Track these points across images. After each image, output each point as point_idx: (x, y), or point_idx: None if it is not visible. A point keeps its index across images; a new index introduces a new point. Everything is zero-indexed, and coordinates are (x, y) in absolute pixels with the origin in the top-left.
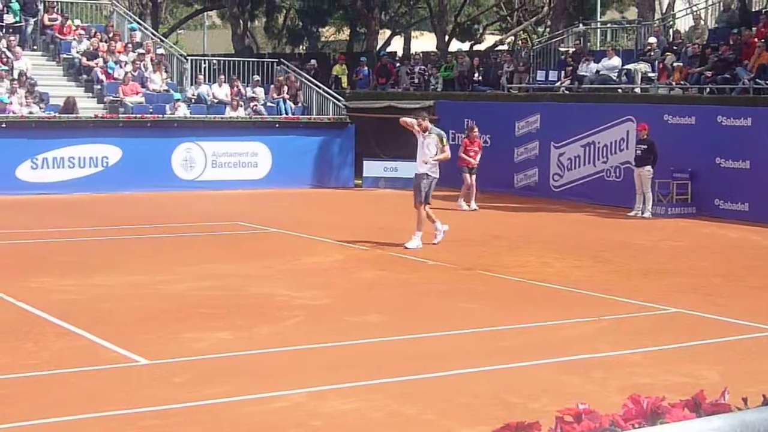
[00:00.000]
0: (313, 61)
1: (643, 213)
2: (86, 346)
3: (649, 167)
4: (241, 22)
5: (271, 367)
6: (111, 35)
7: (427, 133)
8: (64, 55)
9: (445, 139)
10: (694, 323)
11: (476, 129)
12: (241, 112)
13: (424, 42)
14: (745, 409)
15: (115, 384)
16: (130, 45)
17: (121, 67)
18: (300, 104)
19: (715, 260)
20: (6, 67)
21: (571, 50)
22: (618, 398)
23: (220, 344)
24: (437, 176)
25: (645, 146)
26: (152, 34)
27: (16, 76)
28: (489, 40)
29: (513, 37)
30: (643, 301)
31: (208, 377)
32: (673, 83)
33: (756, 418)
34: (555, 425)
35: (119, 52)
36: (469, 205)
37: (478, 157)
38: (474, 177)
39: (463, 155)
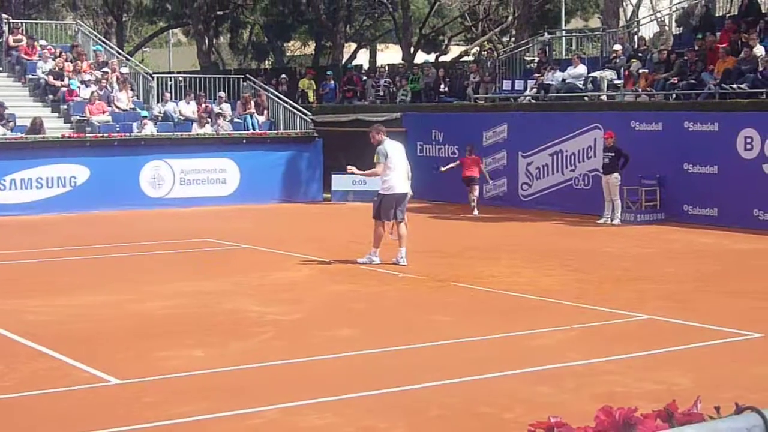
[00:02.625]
0: (283, 76)
1: (612, 220)
2: (57, 367)
3: (616, 174)
4: (206, 38)
5: (244, 383)
6: (76, 55)
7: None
8: (30, 76)
9: (377, 157)
10: (665, 330)
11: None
12: (208, 129)
13: (390, 54)
14: (718, 419)
15: (87, 404)
16: (95, 64)
17: (87, 86)
18: (267, 119)
19: (686, 266)
20: None
21: (536, 59)
22: (591, 407)
23: (192, 362)
24: (384, 193)
25: (612, 153)
26: (117, 52)
27: None
28: (454, 50)
29: (478, 48)
30: (614, 308)
31: (181, 396)
32: (639, 90)
33: (728, 428)
34: None
35: (85, 72)
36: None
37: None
38: (477, 188)
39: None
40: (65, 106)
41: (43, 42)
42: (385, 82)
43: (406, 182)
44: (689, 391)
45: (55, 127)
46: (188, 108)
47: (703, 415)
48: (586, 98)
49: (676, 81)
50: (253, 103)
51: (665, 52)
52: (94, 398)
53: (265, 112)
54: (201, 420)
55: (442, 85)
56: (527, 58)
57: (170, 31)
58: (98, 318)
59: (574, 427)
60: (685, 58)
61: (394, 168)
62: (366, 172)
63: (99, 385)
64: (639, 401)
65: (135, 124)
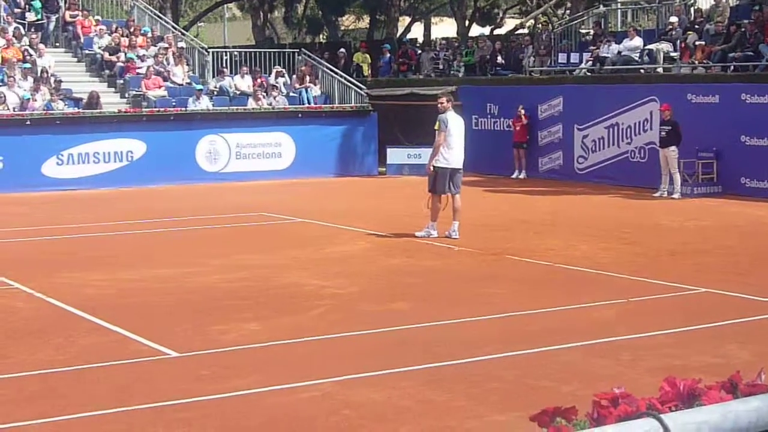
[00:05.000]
0: (342, 50)
1: (672, 194)
2: (116, 341)
3: (674, 147)
4: (260, 13)
5: (300, 356)
6: (132, 30)
7: (441, 116)
8: (87, 51)
9: (438, 125)
10: (723, 303)
11: (521, 109)
12: (263, 103)
13: (444, 28)
14: None
15: (145, 377)
16: (151, 39)
17: (143, 61)
18: (321, 90)
19: (743, 239)
20: (29, 65)
21: (591, 32)
22: (649, 380)
23: (249, 335)
24: (442, 166)
25: (669, 127)
26: (173, 27)
27: (39, 73)
28: (509, 23)
29: (533, 21)
30: (671, 281)
31: (238, 368)
32: (696, 62)
33: None
34: (592, 409)
35: (141, 47)
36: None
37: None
38: (522, 151)
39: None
40: (121, 81)
41: (98, 17)
42: (444, 55)
43: (461, 157)
44: (749, 365)
45: (111, 102)
46: (243, 82)
47: (767, 386)
48: (642, 71)
49: (737, 55)
50: (308, 77)
51: (722, 23)
52: (153, 371)
53: (316, 81)
54: (258, 392)
55: (498, 58)
56: (582, 31)
57: (225, 5)
58: (156, 291)
59: (638, 398)
60: (743, 29)
61: (452, 142)
62: (432, 152)
63: (158, 358)
64: (697, 374)
65: (190, 99)
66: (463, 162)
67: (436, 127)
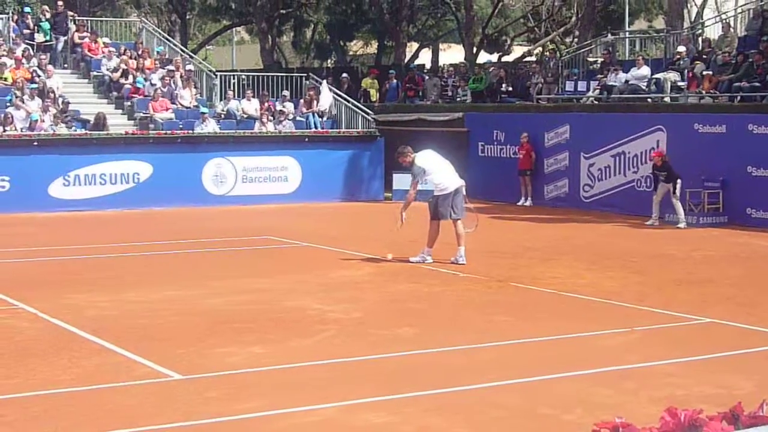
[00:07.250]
0: (345, 75)
1: (677, 223)
2: (120, 362)
3: (679, 180)
4: (269, 37)
5: (304, 381)
6: (140, 52)
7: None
8: (95, 73)
9: (413, 177)
10: (728, 333)
11: (525, 137)
12: (270, 127)
13: (452, 54)
14: None
15: (149, 399)
16: (159, 61)
17: (152, 85)
18: (328, 114)
19: (749, 269)
20: (36, 85)
21: (599, 60)
22: (652, 409)
23: (253, 358)
24: (439, 194)
25: (665, 172)
26: (181, 50)
27: (47, 93)
28: (517, 51)
29: (541, 48)
30: (676, 311)
31: (241, 392)
32: (703, 92)
33: None
34: None
35: (149, 69)
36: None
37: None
38: (527, 178)
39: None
40: (129, 103)
41: (107, 39)
42: (453, 81)
43: (455, 176)
44: (752, 396)
45: (118, 123)
46: (251, 106)
47: None
48: (649, 100)
49: (744, 85)
50: (315, 101)
51: (729, 54)
52: (155, 393)
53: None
54: (260, 416)
55: (504, 86)
56: (590, 59)
57: (234, 29)
58: (160, 314)
59: (639, 427)
60: (751, 60)
61: (438, 170)
62: (406, 202)
63: (161, 380)
64: (700, 405)
65: (196, 122)
66: (458, 178)
67: (413, 179)
